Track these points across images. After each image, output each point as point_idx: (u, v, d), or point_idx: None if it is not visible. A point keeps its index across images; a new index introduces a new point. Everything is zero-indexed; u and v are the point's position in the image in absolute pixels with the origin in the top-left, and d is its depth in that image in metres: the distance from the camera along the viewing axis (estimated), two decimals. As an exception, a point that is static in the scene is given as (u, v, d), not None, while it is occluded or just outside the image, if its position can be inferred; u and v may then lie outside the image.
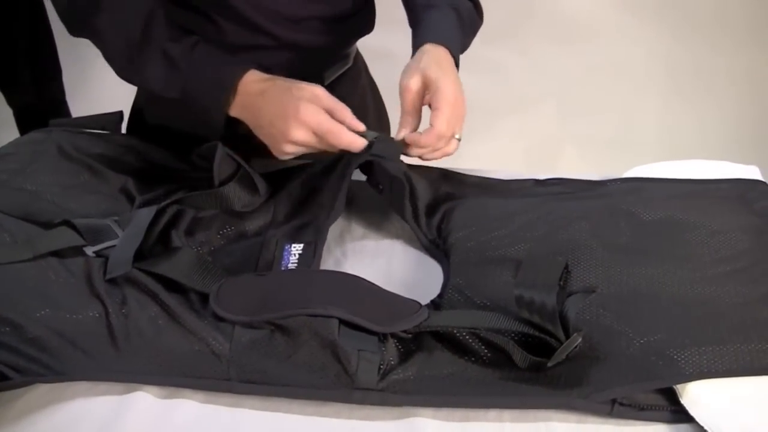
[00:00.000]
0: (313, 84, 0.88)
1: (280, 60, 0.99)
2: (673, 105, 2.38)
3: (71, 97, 2.08)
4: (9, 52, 1.88)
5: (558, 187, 0.97)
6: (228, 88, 0.88)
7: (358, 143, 0.85)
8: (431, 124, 0.87)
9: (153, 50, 0.89)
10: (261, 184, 0.90)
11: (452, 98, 0.87)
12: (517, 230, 0.87)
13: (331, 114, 0.85)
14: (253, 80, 0.89)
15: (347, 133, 0.85)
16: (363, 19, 1.08)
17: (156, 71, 0.90)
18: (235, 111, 0.90)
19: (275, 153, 0.89)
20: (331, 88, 1.08)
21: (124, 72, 0.94)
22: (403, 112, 0.91)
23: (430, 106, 0.89)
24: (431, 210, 0.92)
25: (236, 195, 0.88)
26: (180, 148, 1.00)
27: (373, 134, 0.88)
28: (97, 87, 2.28)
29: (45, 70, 1.97)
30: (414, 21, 0.99)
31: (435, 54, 0.91)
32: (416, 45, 0.94)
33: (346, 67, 1.12)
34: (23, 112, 2.00)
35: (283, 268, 0.83)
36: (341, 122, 0.86)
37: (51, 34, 1.93)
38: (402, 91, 0.90)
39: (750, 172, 0.98)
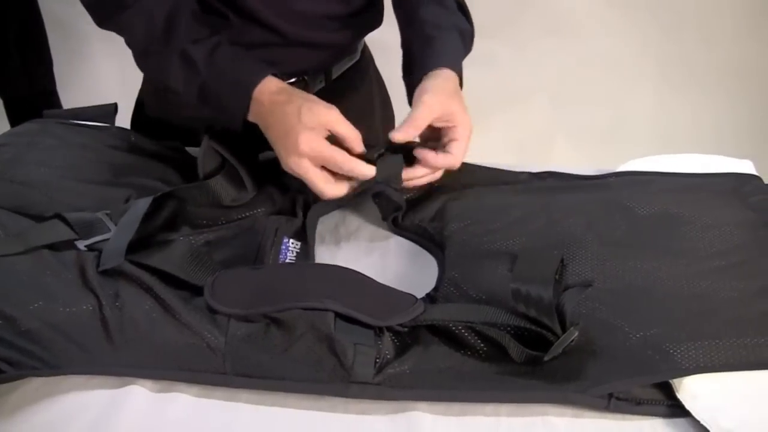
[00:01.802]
0: (327, 106, 0.84)
1: (288, 56, 0.98)
2: (665, 98, 2.39)
3: (61, 87, 2.07)
4: (-1, 42, 1.87)
5: (552, 181, 0.96)
6: (245, 97, 0.86)
7: (365, 171, 0.83)
8: (450, 151, 0.87)
9: (173, 50, 0.87)
10: (248, 180, 0.89)
11: (469, 133, 0.89)
12: (512, 224, 0.86)
13: (342, 141, 0.83)
14: (268, 91, 0.86)
15: (350, 161, 0.83)
16: (373, 15, 1.07)
17: (175, 72, 0.88)
18: (251, 117, 0.88)
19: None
20: (338, 82, 1.07)
21: (146, 69, 0.93)
22: (413, 122, 0.86)
23: (440, 131, 0.88)
24: (424, 202, 0.92)
25: (224, 189, 0.88)
26: (179, 140, 1.00)
27: (378, 149, 0.86)
28: (87, 78, 2.27)
29: (35, 60, 1.96)
30: (423, 37, 0.95)
31: (455, 83, 0.91)
32: (431, 65, 0.92)
33: (354, 61, 1.12)
34: (13, 103, 1.99)
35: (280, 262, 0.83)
36: (348, 151, 0.83)
37: (42, 25, 1.92)
38: (422, 106, 0.86)
39: (744, 166, 0.98)
